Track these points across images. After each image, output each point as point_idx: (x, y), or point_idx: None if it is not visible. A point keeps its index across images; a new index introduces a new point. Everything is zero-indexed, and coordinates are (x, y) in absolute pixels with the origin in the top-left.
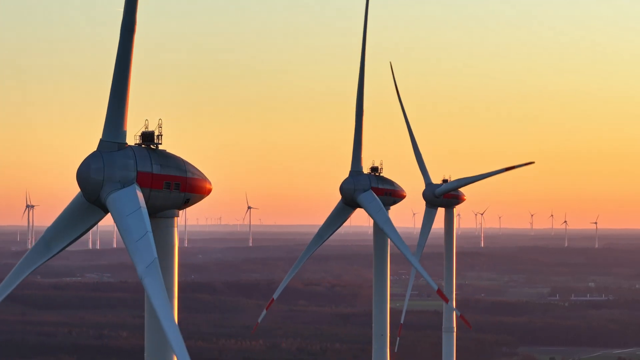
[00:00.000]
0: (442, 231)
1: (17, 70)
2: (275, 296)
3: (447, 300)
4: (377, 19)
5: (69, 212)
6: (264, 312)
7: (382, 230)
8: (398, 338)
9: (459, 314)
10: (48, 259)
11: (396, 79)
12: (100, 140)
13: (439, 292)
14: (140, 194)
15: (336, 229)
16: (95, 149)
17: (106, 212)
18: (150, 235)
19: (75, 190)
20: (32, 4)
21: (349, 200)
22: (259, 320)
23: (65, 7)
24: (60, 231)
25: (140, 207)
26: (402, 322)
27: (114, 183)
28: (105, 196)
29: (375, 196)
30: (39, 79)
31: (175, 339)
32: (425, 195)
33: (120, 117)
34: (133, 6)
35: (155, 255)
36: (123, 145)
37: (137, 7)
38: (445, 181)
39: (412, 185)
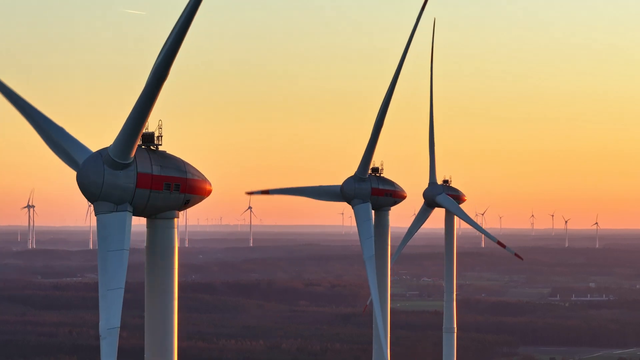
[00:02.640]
0: (443, 232)
1: (18, 70)
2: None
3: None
4: (375, 19)
5: None
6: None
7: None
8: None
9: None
10: None
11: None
12: (108, 153)
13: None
14: (130, 221)
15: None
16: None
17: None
18: (122, 292)
19: (76, 190)
20: (33, 4)
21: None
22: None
23: (66, 6)
24: None
25: (124, 248)
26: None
27: (109, 203)
28: (97, 212)
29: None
30: (39, 79)
31: None
32: (426, 195)
33: (134, 143)
34: (172, 56)
35: (119, 324)
36: (128, 164)
37: (175, 57)
38: (445, 182)
39: (413, 186)
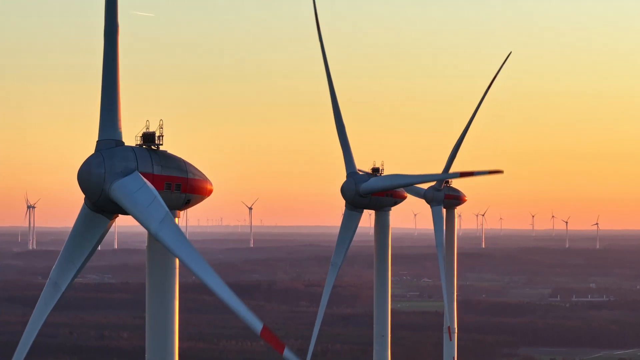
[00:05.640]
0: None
1: (18, 70)
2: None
3: (472, 173)
4: (368, 18)
5: (74, 233)
6: None
7: (399, 184)
8: (450, 340)
9: (486, 172)
10: (59, 297)
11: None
12: (97, 141)
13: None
14: (144, 178)
15: (350, 242)
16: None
17: (110, 216)
18: (160, 198)
19: (77, 190)
20: (31, 4)
21: (352, 200)
22: None
23: (65, 6)
24: (65, 264)
25: (146, 183)
26: (449, 325)
27: (116, 174)
28: (109, 187)
29: (374, 176)
30: (40, 79)
31: (218, 285)
32: (426, 196)
33: (114, 116)
34: (114, 8)
35: (167, 209)
36: (120, 142)
37: (117, 8)
38: (446, 182)
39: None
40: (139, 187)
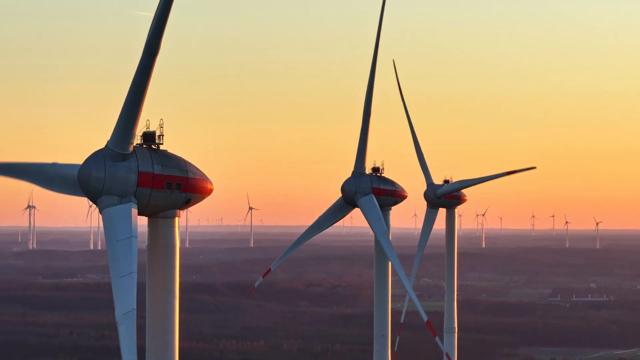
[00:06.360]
0: (444, 232)
1: (21, 70)
2: (272, 267)
3: (435, 334)
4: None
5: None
6: (261, 278)
7: (378, 241)
8: (398, 337)
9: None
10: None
11: (399, 78)
12: (107, 145)
13: (428, 323)
14: (135, 212)
15: (333, 223)
16: (98, 149)
17: None
18: (135, 276)
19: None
20: (43, 4)
21: (350, 201)
22: (256, 284)
23: (73, 7)
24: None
25: (132, 236)
26: (402, 321)
27: (112, 196)
28: (102, 207)
29: (376, 202)
30: (41, 79)
31: None
32: (426, 196)
33: (130, 131)
34: (160, 31)
35: (135, 305)
36: (128, 155)
37: (163, 33)
38: (446, 182)
39: (414, 186)
40: (125, 237)
